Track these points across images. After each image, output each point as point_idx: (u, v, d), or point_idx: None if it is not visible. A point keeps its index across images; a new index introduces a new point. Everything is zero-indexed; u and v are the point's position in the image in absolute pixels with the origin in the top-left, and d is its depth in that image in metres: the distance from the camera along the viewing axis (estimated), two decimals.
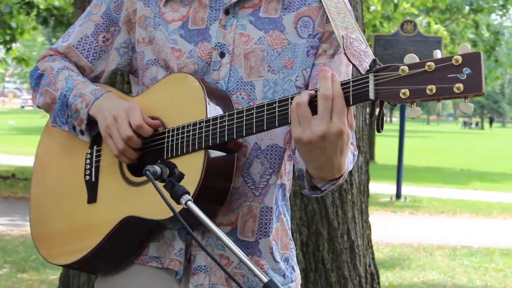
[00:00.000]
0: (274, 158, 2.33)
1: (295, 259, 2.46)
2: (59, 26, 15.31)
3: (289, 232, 2.45)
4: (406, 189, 17.54)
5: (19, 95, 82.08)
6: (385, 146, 30.19)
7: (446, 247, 11.49)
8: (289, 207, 2.48)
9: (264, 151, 2.32)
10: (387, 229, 12.16)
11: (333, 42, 2.34)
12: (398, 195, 16.85)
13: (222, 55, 2.31)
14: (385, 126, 2.04)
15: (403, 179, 17.29)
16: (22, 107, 72.27)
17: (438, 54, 1.88)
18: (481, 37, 29.34)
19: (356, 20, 2.41)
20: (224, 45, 2.31)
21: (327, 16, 2.31)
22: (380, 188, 17.77)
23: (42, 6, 14.33)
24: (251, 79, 2.30)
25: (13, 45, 15.92)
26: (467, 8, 28.78)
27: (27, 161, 21.15)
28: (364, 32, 5.09)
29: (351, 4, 4.63)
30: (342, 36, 2.16)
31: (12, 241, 10.50)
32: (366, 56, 2.11)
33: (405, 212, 15.28)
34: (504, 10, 30.56)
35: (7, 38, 14.92)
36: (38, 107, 2.48)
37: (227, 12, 2.33)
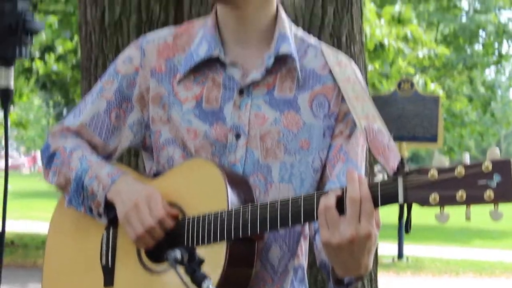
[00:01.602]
0: (292, 242, 2.29)
1: None
2: (58, 91, 15.37)
3: None
4: (407, 248, 17.42)
5: (15, 157, 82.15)
6: None
7: None
8: (307, 286, 2.42)
9: (282, 235, 2.28)
10: None
11: (349, 123, 2.31)
12: (400, 255, 16.72)
13: (237, 136, 2.28)
14: None
15: (404, 238, 17.17)
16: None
17: (467, 158, 1.88)
18: (476, 93, 29.50)
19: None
20: (239, 126, 2.28)
21: (342, 96, 2.29)
22: (381, 247, 17.63)
23: (41, 72, 14.37)
24: (268, 161, 2.27)
25: (11, 108, 15.95)
26: (462, 64, 28.99)
27: (25, 226, 21.01)
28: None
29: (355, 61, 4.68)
30: (365, 128, 2.15)
31: None
32: (390, 151, 2.10)
33: (408, 273, 15.15)
34: (499, 65, 30.79)
35: None
36: (51, 184, 2.43)
37: (241, 92, 2.30)
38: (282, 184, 2.27)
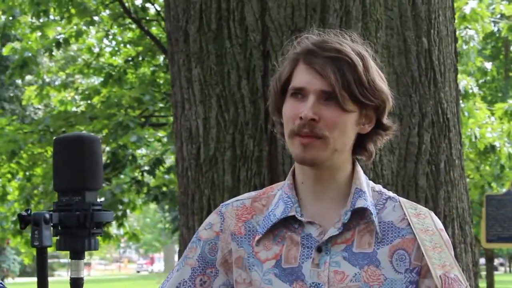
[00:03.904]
0: None
1: None
2: (169, 201, 15.55)
3: None
4: None
5: (134, 259, 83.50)
6: None
7: None
8: None
9: None
10: None
11: None
12: None
13: None
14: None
15: None
16: (138, 272, 73.15)
17: None
18: None
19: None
20: (319, 284, 2.27)
21: None
22: None
23: (152, 184, 14.62)
24: None
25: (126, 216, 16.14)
26: None
27: None
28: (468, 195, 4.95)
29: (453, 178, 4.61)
30: (440, 277, 2.13)
31: None
32: None
33: None
34: None
35: (119, 213, 15.19)
36: None
37: (319, 249, 2.30)
38: None
